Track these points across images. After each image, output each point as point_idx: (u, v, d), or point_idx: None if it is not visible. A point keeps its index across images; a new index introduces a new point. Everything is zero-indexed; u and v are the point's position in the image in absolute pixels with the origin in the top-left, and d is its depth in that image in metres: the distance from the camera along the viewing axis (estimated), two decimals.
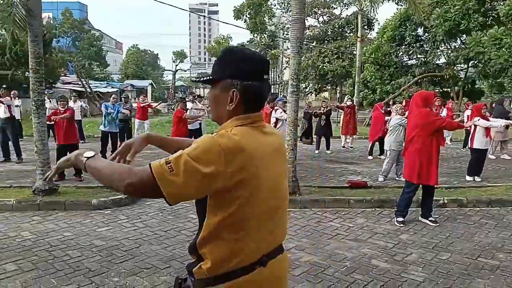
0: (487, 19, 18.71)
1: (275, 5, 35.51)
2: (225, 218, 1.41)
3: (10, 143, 9.80)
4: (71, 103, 13.21)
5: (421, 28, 24.07)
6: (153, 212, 5.81)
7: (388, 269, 4.03)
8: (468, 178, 8.24)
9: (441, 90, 24.60)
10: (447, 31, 19.85)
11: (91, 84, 30.79)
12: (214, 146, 1.34)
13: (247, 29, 29.46)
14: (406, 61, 25.74)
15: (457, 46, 21.97)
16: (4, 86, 13.64)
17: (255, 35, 29.82)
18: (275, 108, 8.71)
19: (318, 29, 37.16)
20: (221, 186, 1.36)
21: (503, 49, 17.42)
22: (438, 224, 5.40)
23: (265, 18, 29.45)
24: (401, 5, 26.44)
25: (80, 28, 41.32)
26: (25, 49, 19.62)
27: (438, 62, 24.40)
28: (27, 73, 19.67)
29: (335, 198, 6.28)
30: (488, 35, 17.95)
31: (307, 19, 37.42)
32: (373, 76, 24.57)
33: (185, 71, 46.96)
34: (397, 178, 7.99)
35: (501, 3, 17.92)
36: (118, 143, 9.92)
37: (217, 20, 44.47)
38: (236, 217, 1.42)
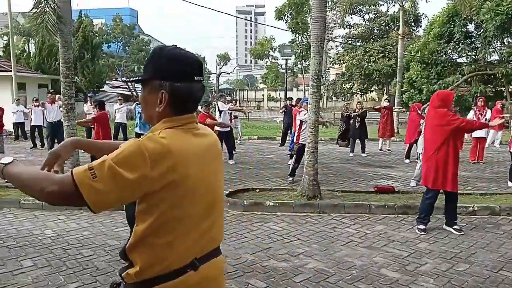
0: None
1: None
2: (153, 222, 1.40)
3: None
4: (116, 105, 13.88)
5: (471, 24, 22.82)
6: None
7: (397, 279, 3.83)
8: (509, 184, 7.69)
9: (493, 90, 23.18)
10: (499, 26, 18.61)
11: (138, 87, 32.15)
12: (139, 150, 1.32)
13: (287, 30, 29.42)
14: (455, 58, 24.49)
15: (510, 42, 20.52)
16: (51, 90, 14.50)
17: (297, 35, 29.59)
18: (300, 110, 8.58)
19: (363, 27, 36.22)
20: (148, 190, 1.34)
21: None
22: (463, 233, 5.07)
23: (306, 18, 29.18)
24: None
25: (130, 33, 43.08)
26: (74, 54, 20.87)
27: (490, 59, 23.00)
28: (76, 77, 20.85)
29: (356, 203, 6.07)
30: None
31: (351, 17, 36.73)
32: (419, 75, 23.54)
33: (229, 73, 47.56)
34: None
35: None
36: None
37: (257, 23, 44.50)
38: (164, 221, 1.40)
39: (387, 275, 3.94)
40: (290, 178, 8.11)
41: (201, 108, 8.57)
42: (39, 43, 21.72)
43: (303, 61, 30.29)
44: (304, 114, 8.61)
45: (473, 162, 10.55)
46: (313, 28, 6.40)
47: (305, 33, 29.98)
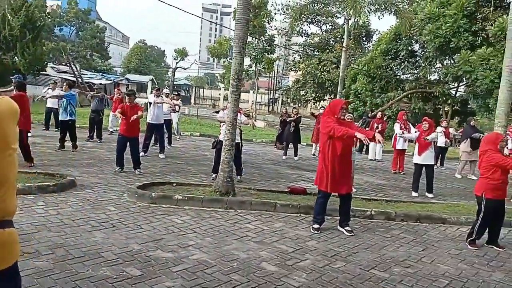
0: (477, 38, 18.64)
1: (278, 10, 35.55)
2: None
3: None
4: (45, 90, 13.28)
5: (416, 43, 24.09)
6: (75, 201, 5.81)
7: (272, 273, 4.00)
8: (413, 194, 8.24)
9: (433, 107, 24.56)
10: (438, 48, 19.75)
11: (86, 74, 31.04)
12: None
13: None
14: (400, 75, 25.73)
15: (448, 64, 21.86)
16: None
17: (253, 38, 29.83)
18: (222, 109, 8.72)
19: (320, 37, 37.13)
20: None
21: (490, 70, 17.35)
22: (353, 234, 5.37)
23: (264, 22, 29.51)
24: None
25: (85, 18, 41.54)
26: (15, 33, 19.82)
27: (430, 78, 24.37)
28: (15, 57, 19.86)
29: (262, 201, 6.25)
30: (476, 54, 17.89)
31: (309, 27, 37.57)
32: (364, 88, 24.53)
33: (185, 69, 47.02)
34: None
35: (491, 24, 17.83)
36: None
37: (218, 24, 44.30)
38: None
39: (265, 268, 4.10)
40: (214, 175, 8.19)
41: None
42: None
43: (257, 63, 30.60)
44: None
45: (394, 172, 11.15)
46: (236, 29, 6.53)
47: (262, 37, 30.29)
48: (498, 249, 5.28)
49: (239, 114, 7.86)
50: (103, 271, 3.68)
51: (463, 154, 11.12)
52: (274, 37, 35.47)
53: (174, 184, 7.12)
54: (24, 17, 19.06)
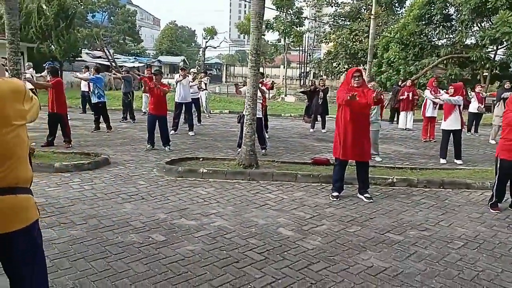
0: None
1: None
2: None
3: None
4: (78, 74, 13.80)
5: (452, 6, 22.94)
6: (108, 177, 6.23)
7: (288, 237, 4.21)
8: (441, 161, 8.13)
9: (471, 73, 23.52)
10: (474, 9, 18.82)
11: (119, 58, 31.90)
12: None
13: (272, 5, 29.28)
14: (435, 41, 24.69)
15: (486, 26, 20.73)
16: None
17: (281, 12, 29.43)
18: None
19: (350, 6, 36.03)
20: None
21: None
22: (372, 201, 5.46)
23: None
24: None
25: (115, 3, 42.32)
26: (49, 23, 20.63)
27: (467, 42, 23.24)
28: (52, 46, 20.71)
29: (284, 172, 6.44)
30: None
31: None
32: (397, 56, 23.78)
33: (215, 48, 47.19)
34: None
35: None
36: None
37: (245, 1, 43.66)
38: None
39: (281, 233, 4.32)
40: (239, 149, 8.43)
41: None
42: None
43: (286, 38, 30.25)
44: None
45: (424, 140, 10.96)
46: (252, 4, 6.58)
47: (290, 10, 29.82)
48: None
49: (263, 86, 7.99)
50: (131, 238, 4.02)
51: (496, 118, 10.75)
52: (303, 9, 34.83)
53: (201, 159, 7.42)
54: (57, 6, 19.83)
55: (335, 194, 5.54)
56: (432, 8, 22.67)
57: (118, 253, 3.66)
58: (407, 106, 13.09)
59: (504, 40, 18.27)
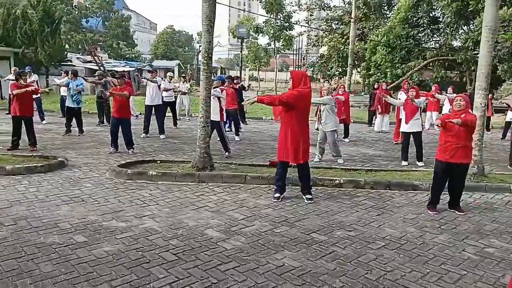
0: None
1: None
2: None
3: None
4: (57, 79, 13.86)
5: (437, 9, 23.01)
6: (57, 180, 6.27)
7: (212, 238, 4.24)
8: (403, 163, 8.18)
9: (460, 75, 23.56)
10: (456, 12, 18.88)
11: (110, 63, 32.01)
12: None
13: (262, 10, 29.49)
14: (422, 43, 24.75)
15: (469, 29, 20.81)
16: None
17: (271, 15, 29.56)
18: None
19: (342, 10, 36.16)
20: None
21: (511, 32, 16.44)
22: (312, 202, 5.50)
23: None
24: None
25: (109, 8, 42.57)
26: (34, 28, 20.76)
27: (453, 45, 23.28)
28: (38, 51, 20.82)
29: (233, 174, 6.48)
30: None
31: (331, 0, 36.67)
32: (384, 59, 23.85)
33: None
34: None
35: None
36: None
37: (224, 4, 43.90)
38: None
39: (207, 234, 4.35)
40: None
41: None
42: (4, 15, 21.59)
43: (275, 41, 30.38)
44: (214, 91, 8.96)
45: (395, 142, 10.97)
46: (203, 8, 6.63)
47: (279, 14, 29.94)
48: (458, 213, 5.25)
49: (216, 90, 8.06)
50: (53, 239, 4.06)
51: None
52: (296, 13, 34.93)
53: (158, 162, 7.47)
54: (42, 11, 19.97)
55: (277, 195, 5.59)
56: (418, 11, 22.76)
57: (32, 254, 3.70)
58: (384, 109, 13.13)
59: None
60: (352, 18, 16.04)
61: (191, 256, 3.79)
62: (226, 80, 9.91)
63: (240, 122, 12.13)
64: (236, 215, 4.98)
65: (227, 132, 9.26)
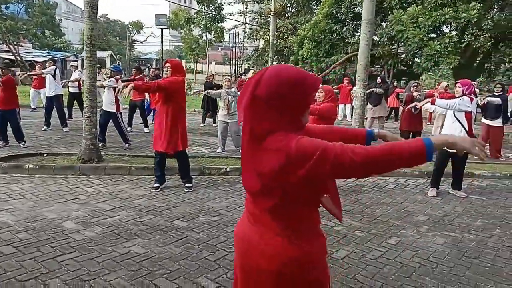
0: None
1: None
2: None
3: None
4: None
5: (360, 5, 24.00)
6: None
7: (66, 229, 4.13)
8: None
9: (381, 69, 24.80)
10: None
11: (31, 53, 30.12)
12: None
13: (187, 6, 29.12)
14: (348, 38, 25.73)
15: (385, 25, 21.98)
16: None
17: (202, 6, 29.29)
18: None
19: (278, 3, 36.57)
20: None
21: (419, 28, 17.56)
22: (190, 190, 5.54)
23: None
24: None
25: None
26: None
27: (375, 40, 24.43)
28: None
29: (118, 165, 6.36)
30: (407, 13, 18.05)
31: None
32: (309, 53, 24.52)
33: (141, 42, 45.88)
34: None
35: None
36: None
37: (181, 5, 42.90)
38: None
39: (63, 226, 4.22)
40: (100, 144, 8.23)
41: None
42: None
43: (207, 33, 30.12)
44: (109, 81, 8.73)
45: None
46: None
47: (211, 5, 29.73)
48: None
49: (111, 80, 7.87)
50: None
51: (369, 111, 11.37)
52: (230, 5, 34.85)
53: (45, 155, 7.13)
54: None
55: (156, 185, 5.56)
56: (342, 6, 23.62)
57: None
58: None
59: (398, 38, 19.39)
60: (271, 11, 16.28)
61: (33, 248, 3.66)
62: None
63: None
64: (104, 206, 4.88)
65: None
